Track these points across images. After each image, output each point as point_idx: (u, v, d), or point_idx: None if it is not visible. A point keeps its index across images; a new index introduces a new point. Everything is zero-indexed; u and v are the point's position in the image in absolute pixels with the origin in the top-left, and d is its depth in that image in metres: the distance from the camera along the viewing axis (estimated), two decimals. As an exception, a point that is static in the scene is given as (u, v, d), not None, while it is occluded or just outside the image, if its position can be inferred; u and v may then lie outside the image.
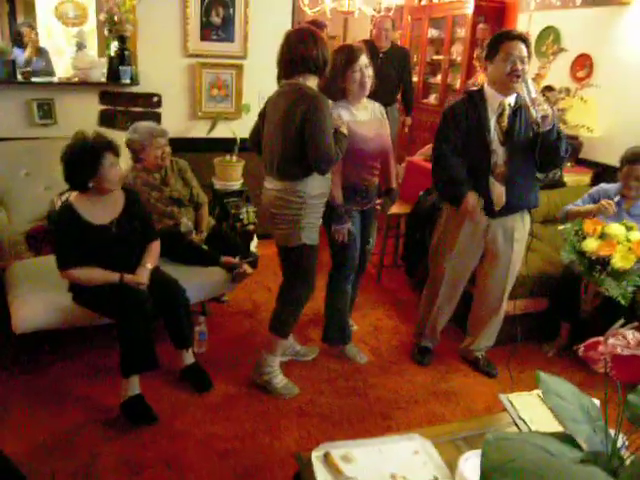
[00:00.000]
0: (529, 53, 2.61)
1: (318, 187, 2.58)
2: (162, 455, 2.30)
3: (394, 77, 5.10)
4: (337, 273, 2.95)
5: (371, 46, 4.91)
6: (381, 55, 5.00)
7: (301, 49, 2.47)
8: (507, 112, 2.67)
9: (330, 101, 2.59)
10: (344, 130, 2.59)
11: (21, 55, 5.92)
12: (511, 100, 2.67)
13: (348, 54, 2.69)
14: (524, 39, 2.61)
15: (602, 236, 2.83)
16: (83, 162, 2.45)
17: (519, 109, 2.68)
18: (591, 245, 2.83)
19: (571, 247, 2.91)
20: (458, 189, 2.73)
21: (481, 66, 2.82)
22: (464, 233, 2.84)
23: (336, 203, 2.76)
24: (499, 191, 2.72)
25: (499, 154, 2.70)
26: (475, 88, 2.89)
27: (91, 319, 2.67)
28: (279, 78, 2.61)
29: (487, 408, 2.74)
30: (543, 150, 2.60)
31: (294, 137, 2.47)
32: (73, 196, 2.58)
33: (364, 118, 2.83)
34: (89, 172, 2.46)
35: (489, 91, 2.70)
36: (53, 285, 2.70)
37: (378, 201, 3.05)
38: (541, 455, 1.07)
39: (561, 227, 3.06)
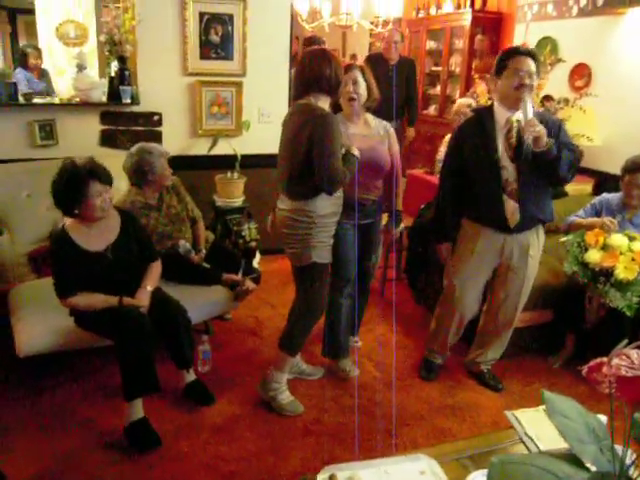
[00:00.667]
0: (538, 69, 2.61)
1: (328, 206, 2.59)
2: (167, 478, 2.28)
3: (403, 86, 5.30)
4: (330, 286, 2.92)
5: (381, 59, 5.27)
6: (391, 67, 5.18)
7: (315, 69, 2.51)
8: (515, 128, 2.64)
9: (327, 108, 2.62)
10: (355, 152, 2.60)
11: (24, 76, 5.98)
12: (519, 116, 2.62)
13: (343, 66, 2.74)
14: (533, 55, 2.61)
15: (604, 247, 2.82)
16: (67, 189, 2.42)
17: None
18: (594, 256, 2.82)
19: (574, 259, 2.90)
20: (444, 237, 2.96)
21: (483, 79, 2.84)
22: (477, 250, 2.83)
23: None
24: (512, 208, 2.71)
25: (509, 170, 2.68)
26: (480, 104, 2.92)
27: (94, 341, 2.66)
28: (294, 99, 2.66)
29: (494, 423, 2.72)
30: (542, 168, 2.61)
31: (302, 157, 2.49)
32: (68, 222, 2.55)
33: (359, 132, 2.83)
34: (73, 200, 2.44)
35: (498, 108, 2.70)
36: (56, 307, 2.69)
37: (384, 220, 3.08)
38: (547, 478, 1.05)
39: (563, 239, 3.05)
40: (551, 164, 2.56)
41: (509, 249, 2.81)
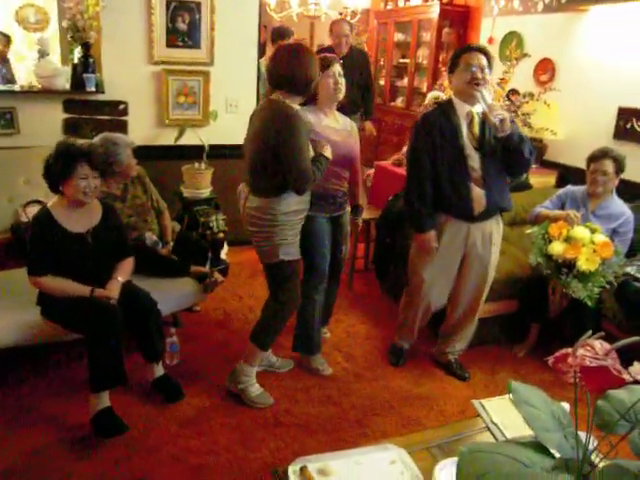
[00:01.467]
0: (490, 64, 2.73)
1: (292, 204, 2.58)
2: (135, 472, 2.26)
3: (357, 79, 4.89)
4: (305, 282, 2.93)
5: (329, 51, 4.64)
6: (341, 60, 4.74)
7: (284, 68, 2.49)
8: (477, 119, 2.75)
9: (296, 106, 2.58)
10: (327, 153, 2.60)
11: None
12: (479, 109, 2.75)
13: (322, 61, 2.73)
14: (484, 51, 2.73)
15: (567, 239, 2.89)
16: (57, 163, 2.45)
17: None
18: (557, 248, 2.89)
19: (538, 250, 2.97)
20: (422, 223, 2.86)
21: (447, 77, 2.91)
22: (443, 242, 2.88)
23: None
24: (479, 195, 2.78)
25: (474, 159, 2.77)
26: (443, 98, 2.97)
27: (60, 335, 2.61)
28: (265, 93, 2.67)
29: (461, 412, 2.77)
30: (507, 154, 2.70)
31: (267, 154, 2.48)
32: (51, 203, 2.55)
33: (333, 125, 2.87)
34: (60, 174, 2.46)
35: (457, 102, 2.79)
36: (20, 301, 2.64)
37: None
38: (514, 466, 1.08)
39: (529, 230, 3.12)
40: (517, 148, 2.66)
41: (473, 238, 2.87)
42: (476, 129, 2.76)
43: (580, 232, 2.89)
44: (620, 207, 3.28)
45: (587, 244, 2.83)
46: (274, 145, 2.44)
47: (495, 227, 2.91)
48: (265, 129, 2.49)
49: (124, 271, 2.67)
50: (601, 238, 2.88)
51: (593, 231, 2.91)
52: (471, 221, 2.83)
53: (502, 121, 2.58)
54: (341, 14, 5.61)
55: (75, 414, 2.56)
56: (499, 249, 2.98)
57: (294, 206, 2.59)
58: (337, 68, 2.79)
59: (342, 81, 2.81)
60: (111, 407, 2.49)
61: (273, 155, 2.46)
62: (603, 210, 3.26)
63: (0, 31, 6.35)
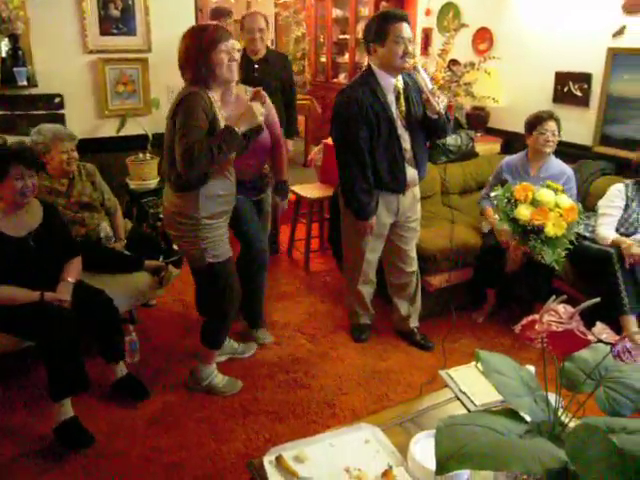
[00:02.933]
0: (412, 33, 2.71)
1: (215, 206, 2.40)
2: (106, 478, 2.19)
3: (277, 88, 3.85)
4: (244, 258, 2.95)
5: (242, 56, 3.63)
6: (256, 65, 3.83)
7: (180, 52, 2.33)
8: (402, 95, 2.76)
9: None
10: (240, 128, 2.26)
11: None
12: (400, 81, 2.76)
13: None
14: (407, 19, 2.68)
15: (533, 202, 2.89)
16: None
17: (407, 87, 2.79)
18: (524, 213, 2.86)
19: (504, 215, 2.93)
20: (366, 212, 2.84)
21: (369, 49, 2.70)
22: (378, 214, 2.91)
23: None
24: (412, 174, 2.87)
25: (406, 139, 2.80)
26: (363, 70, 2.87)
27: (10, 345, 2.49)
28: None
29: (428, 382, 2.80)
30: (434, 131, 2.84)
31: (171, 142, 2.29)
32: None
33: (235, 113, 2.48)
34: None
35: (379, 73, 2.72)
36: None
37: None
38: (490, 436, 1.09)
39: (493, 193, 3.10)
40: (442, 127, 2.79)
41: (402, 207, 2.95)
42: (403, 106, 2.76)
43: (545, 195, 2.89)
44: (560, 166, 3.38)
45: (553, 208, 2.85)
46: (171, 128, 2.28)
47: (416, 189, 3.02)
48: (169, 113, 2.33)
49: (73, 271, 2.57)
50: (565, 201, 2.88)
51: (555, 191, 2.93)
52: (402, 193, 2.91)
53: (443, 108, 2.66)
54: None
55: (35, 425, 2.47)
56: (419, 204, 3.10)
57: (218, 207, 2.42)
58: (232, 42, 2.37)
59: (237, 56, 2.43)
60: (76, 417, 2.39)
61: (172, 141, 2.27)
62: (545, 172, 3.34)
63: None
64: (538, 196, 2.89)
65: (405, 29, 2.62)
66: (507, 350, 2.99)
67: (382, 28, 2.63)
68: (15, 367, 2.84)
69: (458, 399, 1.89)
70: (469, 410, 1.82)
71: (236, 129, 2.24)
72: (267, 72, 3.80)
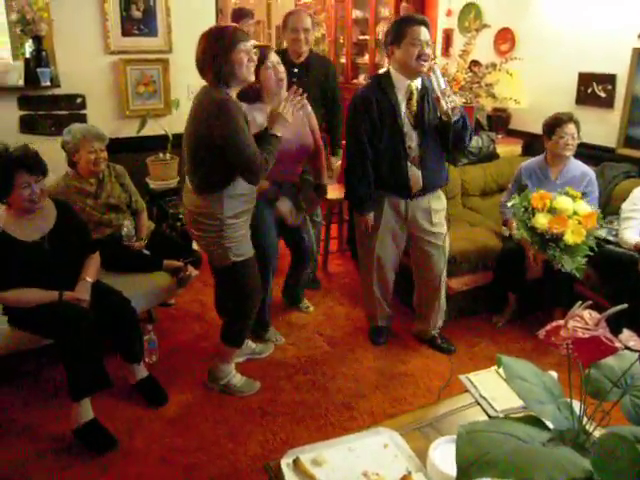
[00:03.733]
0: (432, 37, 2.70)
1: (237, 206, 2.43)
2: (124, 478, 2.20)
3: (318, 97, 3.55)
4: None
5: (283, 58, 3.09)
6: (296, 69, 3.49)
7: (198, 53, 2.34)
8: (415, 96, 2.74)
9: (244, 104, 2.48)
10: (277, 132, 2.38)
11: None
12: (417, 84, 2.74)
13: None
14: (427, 24, 2.68)
15: (551, 210, 2.85)
16: None
17: (426, 93, 2.76)
18: (541, 221, 2.83)
19: (522, 224, 2.91)
20: (363, 205, 2.86)
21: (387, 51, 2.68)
22: (385, 218, 2.90)
23: (264, 189, 2.75)
24: (416, 175, 2.81)
25: (412, 138, 2.77)
26: (381, 71, 2.90)
27: (31, 343, 2.52)
28: None
29: (447, 387, 2.78)
30: (450, 138, 2.73)
31: (199, 147, 2.33)
32: None
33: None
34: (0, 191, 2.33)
35: (396, 75, 2.74)
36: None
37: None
38: (512, 443, 1.07)
39: (510, 203, 3.07)
40: (459, 133, 2.70)
41: (412, 214, 2.89)
42: (414, 106, 2.75)
43: (563, 202, 2.84)
44: (581, 168, 3.32)
45: (571, 216, 2.80)
46: (205, 135, 2.27)
47: (434, 201, 2.93)
48: (195, 117, 2.34)
49: (91, 270, 2.58)
50: (584, 208, 2.84)
51: (573, 198, 2.88)
52: (409, 198, 2.86)
53: (454, 108, 2.59)
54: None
55: (53, 424, 2.48)
56: (443, 218, 2.99)
57: (240, 207, 2.44)
58: (274, 57, 2.65)
59: (282, 69, 2.69)
60: (96, 419, 2.39)
61: (206, 147, 2.29)
62: (566, 176, 3.29)
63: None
64: (556, 204, 2.85)
65: (422, 32, 2.63)
66: (528, 355, 2.95)
67: (400, 30, 2.67)
68: (33, 367, 2.87)
69: (478, 404, 1.86)
70: (489, 416, 1.79)
71: (277, 134, 2.37)
72: (308, 78, 3.48)
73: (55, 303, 2.38)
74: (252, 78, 2.41)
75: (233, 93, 2.37)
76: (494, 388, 1.90)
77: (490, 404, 1.84)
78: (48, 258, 2.43)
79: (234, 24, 3.10)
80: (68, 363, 2.30)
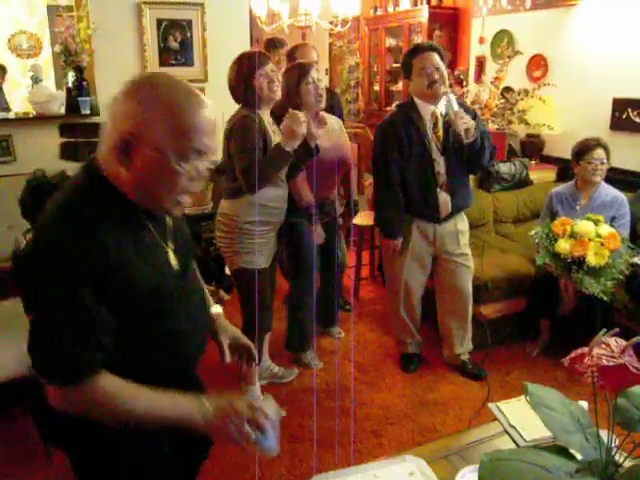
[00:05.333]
0: (443, 58, 2.72)
1: (255, 214, 2.54)
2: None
3: None
4: (296, 285, 3.04)
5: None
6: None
7: (228, 80, 2.61)
8: (440, 121, 2.76)
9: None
10: (287, 145, 2.45)
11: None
12: (442, 109, 2.76)
13: (299, 69, 2.77)
14: (435, 48, 2.72)
15: (573, 235, 2.85)
16: (32, 200, 2.42)
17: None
18: (563, 246, 2.84)
19: (545, 251, 2.93)
20: (392, 230, 2.89)
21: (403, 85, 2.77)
22: (413, 242, 2.91)
23: (305, 203, 2.84)
24: (445, 200, 2.83)
25: (440, 164, 2.79)
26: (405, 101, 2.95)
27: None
28: None
29: (477, 415, 2.73)
30: (469, 158, 2.76)
31: (225, 156, 2.61)
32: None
33: (321, 131, 2.84)
34: (36, 212, 2.36)
35: (419, 102, 2.78)
36: (21, 330, 2.60)
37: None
38: (537, 473, 1.06)
39: (531, 232, 3.07)
40: (477, 154, 2.72)
41: (440, 237, 2.90)
42: (441, 132, 2.77)
43: (584, 226, 2.84)
44: (612, 192, 3.27)
45: (593, 238, 2.79)
46: (227, 146, 2.55)
47: (460, 223, 2.96)
48: (225, 133, 2.59)
49: None
50: (606, 229, 2.83)
51: (596, 222, 2.86)
52: (437, 222, 2.87)
53: (467, 130, 2.61)
54: (331, 23, 5.61)
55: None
56: (467, 239, 3.01)
57: (259, 216, 2.55)
58: (315, 74, 2.78)
59: (322, 85, 2.81)
60: None
61: (228, 156, 2.56)
62: (597, 201, 3.24)
63: (-4, 64, 6.42)
64: (577, 228, 2.83)
65: (428, 59, 2.67)
66: (561, 384, 2.88)
67: (408, 63, 2.75)
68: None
69: (507, 433, 1.82)
70: (518, 445, 1.75)
71: (286, 148, 2.46)
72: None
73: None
74: (276, 96, 2.63)
75: (264, 111, 2.58)
76: (524, 417, 1.86)
77: (519, 433, 1.81)
78: None
79: (255, 50, 3.18)
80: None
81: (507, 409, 1.93)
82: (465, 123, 2.59)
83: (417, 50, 2.74)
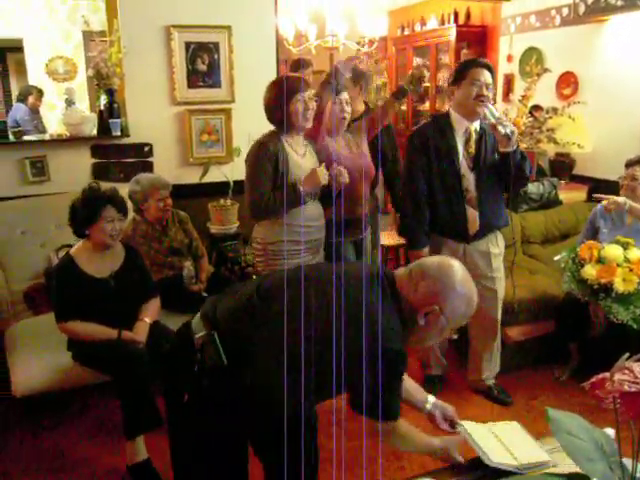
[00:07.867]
0: (494, 81, 2.73)
1: (280, 234, 2.53)
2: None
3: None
4: None
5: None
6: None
7: (264, 102, 2.62)
8: (474, 137, 2.74)
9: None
10: (300, 187, 2.52)
11: (23, 111, 6.11)
12: (476, 126, 2.75)
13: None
14: (489, 67, 2.71)
15: (600, 260, 2.77)
16: (84, 208, 2.50)
17: (484, 134, 2.76)
18: (590, 272, 2.76)
19: (571, 276, 2.84)
20: (417, 240, 2.82)
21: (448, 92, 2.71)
22: None
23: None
24: (473, 216, 2.78)
25: (469, 179, 2.75)
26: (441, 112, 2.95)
27: (92, 379, 2.62)
28: None
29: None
30: (509, 170, 2.65)
31: None
32: (74, 249, 2.60)
33: (343, 144, 2.87)
34: (87, 219, 2.50)
35: (455, 116, 2.76)
36: (53, 345, 2.67)
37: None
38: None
39: (557, 257, 3.00)
40: (518, 164, 2.66)
41: (470, 258, 2.82)
42: (472, 148, 2.75)
43: (612, 251, 2.76)
44: None
45: (621, 263, 2.70)
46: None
47: (493, 244, 2.88)
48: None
49: (151, 312, 2.68)
50: (636, 254, 2.75)
51: (626, 246, 2.79)
52: (466, 241, 2.81)
53: (512, 133, 2.56)
54: (358, 43, 5.66)
55: (109, 458, 2.56)
56: (501, 263, 2.93)
57: (285, 236, 2.53)
58: (345, 96, 2.78)
59: (349, 110, 2.82)
60: (149, 459, 2.44)
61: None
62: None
63: (34, 85, 6.68)
64: (604, 253, 2.75)
65: (484, 74, 2.66)
66: (589, 411, 2.77)
67: (462, 71, 2.73)
68: (95, 402, 2.97)
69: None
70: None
71: (300, 188, 2.51)
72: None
73: (113, 341, 2.48)
74: (308, 125, 2.60)
75: (293, 136, 2.60)
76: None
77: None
78: (112, 296, 2.56)
79: (295, 74, 3.23)
80: (123, 400, 2.39)
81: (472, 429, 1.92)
82: (509, 127, 2.57)
83: (476, 62, 2.76)
